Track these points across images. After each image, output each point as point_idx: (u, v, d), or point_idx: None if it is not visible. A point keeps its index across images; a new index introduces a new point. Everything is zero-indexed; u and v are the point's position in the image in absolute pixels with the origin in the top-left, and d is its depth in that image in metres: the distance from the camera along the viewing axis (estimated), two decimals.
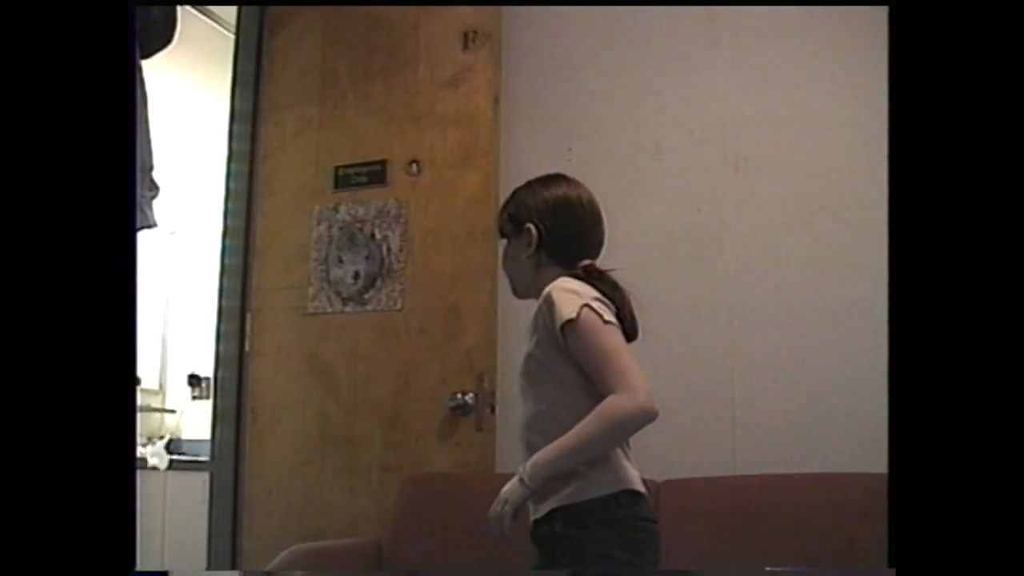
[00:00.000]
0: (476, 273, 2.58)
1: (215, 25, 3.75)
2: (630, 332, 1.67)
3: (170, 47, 1.71)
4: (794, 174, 2.47)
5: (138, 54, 1.52)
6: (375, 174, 2.77)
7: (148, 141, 1.63)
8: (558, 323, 1.58)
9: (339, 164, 2.82)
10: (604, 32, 2.65)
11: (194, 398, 3.91)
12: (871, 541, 1.79)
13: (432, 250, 2.67)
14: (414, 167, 2.72)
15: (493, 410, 2.52)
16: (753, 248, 2.48)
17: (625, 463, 1.61)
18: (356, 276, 2.73)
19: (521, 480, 1.56)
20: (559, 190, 1.76)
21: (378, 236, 2.73)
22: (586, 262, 1.73)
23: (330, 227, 2.81)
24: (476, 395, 2.52)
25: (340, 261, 2.76)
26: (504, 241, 1.80)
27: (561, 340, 1.59)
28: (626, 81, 2.60)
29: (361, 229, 2.75)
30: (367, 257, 2.73)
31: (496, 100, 2.64)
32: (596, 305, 1.61)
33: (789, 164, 2.48)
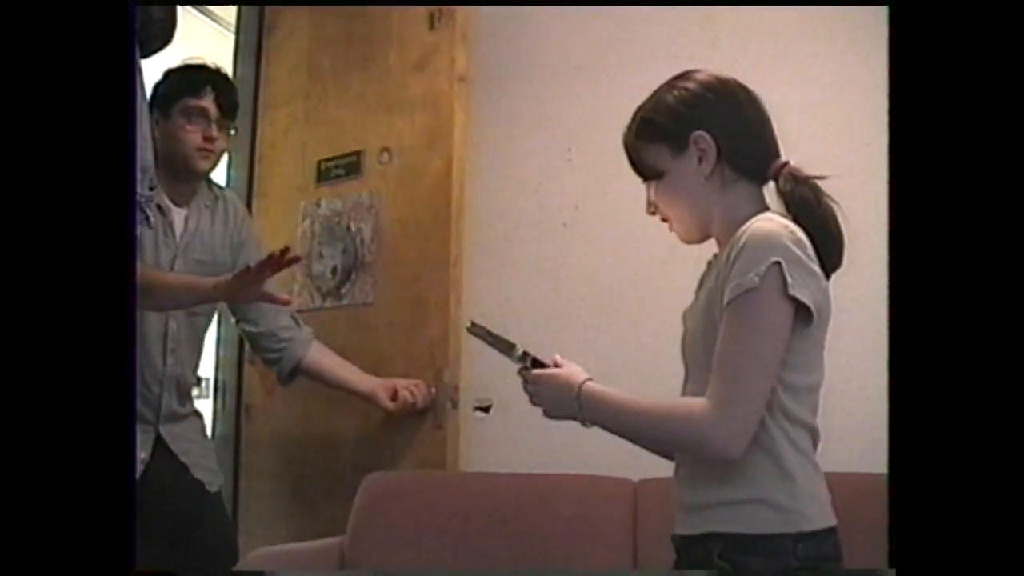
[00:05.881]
0: (439, 261, 2.48)
1: (215, 25, 3.75)
2: (829, 263, 1.33)
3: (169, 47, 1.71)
4: None
5: (138, 54, 1.52)
6: (351, 165, 2.71)
7: (148, 141, 1.62)
8: (734, 289, 1.21)
9: (321, 158, 2.78)
10: (604, 32, 2.65)
11: (195, 398, 3.90)
12: (871, 541, 1.79)
13: (400, 240, 2.59)
14: (385, 155, 2.64)
15: (455, 405, 2.41)
16: None
17: (817, 482, 1.31)
18: (334, 271, 2.69)
19: (579, 406, 1.33)
20: (704, 76, 1.39)
21: (353, 229, 2.68)
22: (780, 162, 1.37)
23: (313, 222, 2.78)
24: (436, 390, 2.41)
25: (320, 256, 2.73)
26: (655, 182, 1.39)
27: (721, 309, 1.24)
28: (626, 81, 2.59)
29: (339, 223, 2.71)
30: (343, 251, 2.68)
31: (461, 79, 2.52)
32: (791, 264, 1.21)
33: None
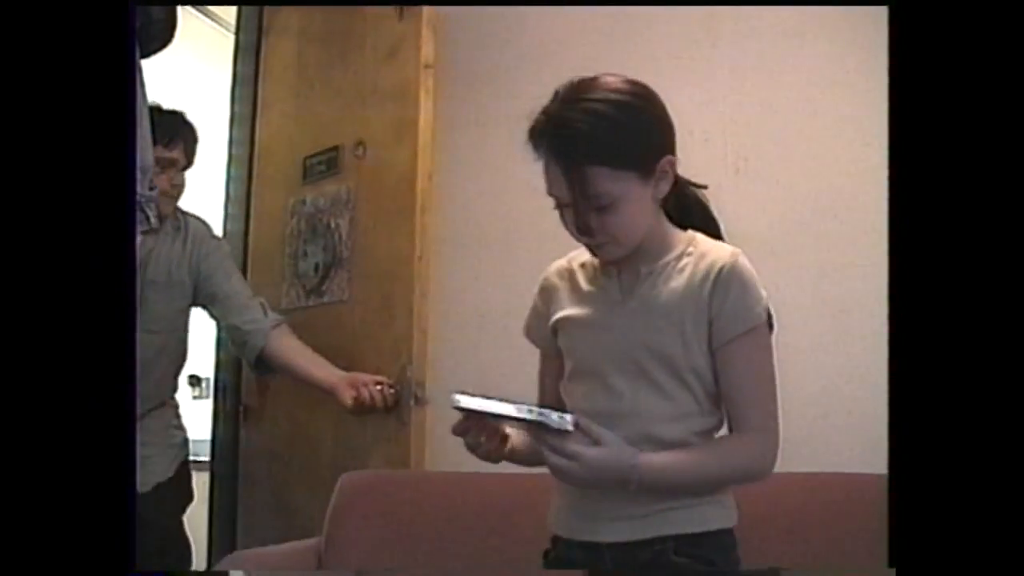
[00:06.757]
0: (404, 255, 2.44)
1: (215, 25, 3.75)
2: None
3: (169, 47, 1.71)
4: (794, 174, 2.47)
5: (138, 54, 1.52)
6: (331, 161, 2.70)
7: (148, 141, 1.62)
8: (749, 320, 1.32)
9: (306, 155, 2.77)
10: (603, 32, 2.65)
11: (194, 398, 3.91)
12: (871, 541, 1.79)
13: (371, 234, 2.56)
14: (360, 149, 2.62)
15: (419, 402, 2.35)
16: (753, 248, 2.47)
17: None
18: (316, 268, 2.68)
19: (633, 474, 1.27)
20: (649, 92, 1.36)
21: (332, 226, 2.66)
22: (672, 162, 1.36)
23: (299, 220, 2.77)
24: (399, 387, 2.36)
25: (305, 255, 2.72)
26: (616, 196, 1.30)
27: (722, 342, 1.32)
28: None
29: (321, 220, 2.70)
30: (324, 248, 2.67)
31: (427, 66, 2.46)
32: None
33: (789, 164, 2.48)
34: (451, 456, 2.48)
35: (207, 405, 3.09)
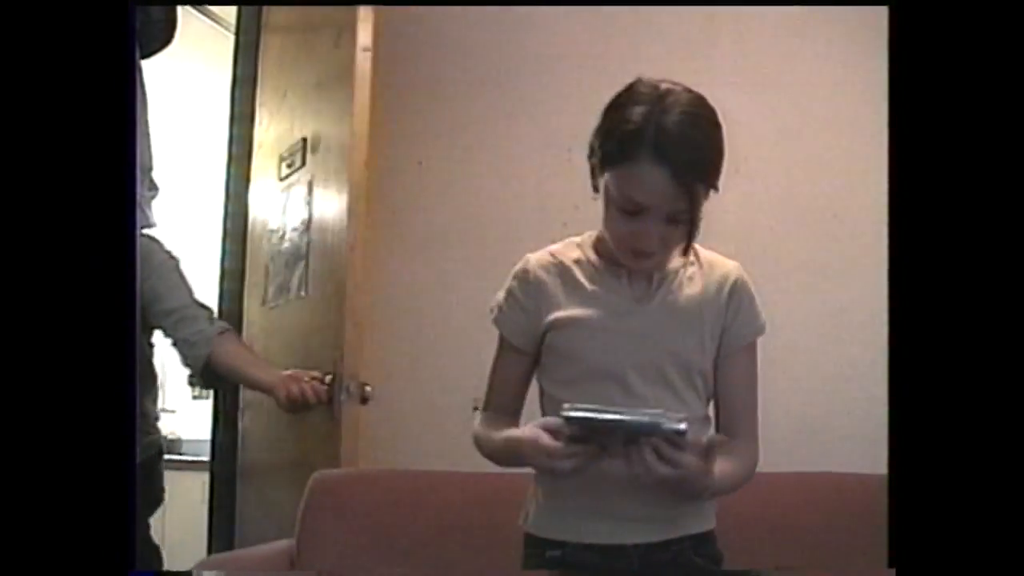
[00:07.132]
0: (338, 247, 2.36)
1: (215, 25, 3.76)
2: None
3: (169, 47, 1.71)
4: (794, 174, 2.47)
5: (138, 54, 1.52)
6: (296, 156, 2.66)
7: (148, 141, 1.63)
8: (756, 331, 1.38)
9: (280, 152, 2.74)
10: (603, 32, 2.65)
11: (194, 398, 3.91)
12: (871, 541, 1.78)
13: (320, 229, 2.50)
14: (317, 141, 2.57)
15: (351, 395, 2.26)
16: (753, 248, 2.48)
17: None
18: (286, 264, 2.66)
19: (710, 486, 1.27)
20: (707, 100, 1.33)
21: (297, 222, 2.63)
22: None
23: (276, 217, 2.75)
24: (331, 382, 2.27)
25: (279, 252, 2.70)
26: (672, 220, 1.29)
27: (731, 351, 1.36)
28: (626, 81, 2.59)
29: (289, 215, 2.67)
30: (291, 244, 2.64)
31: (364, 50, 2.34)
32: None
33: (789, 164, 2.48)
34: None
35: (207, 405, 3.09)
